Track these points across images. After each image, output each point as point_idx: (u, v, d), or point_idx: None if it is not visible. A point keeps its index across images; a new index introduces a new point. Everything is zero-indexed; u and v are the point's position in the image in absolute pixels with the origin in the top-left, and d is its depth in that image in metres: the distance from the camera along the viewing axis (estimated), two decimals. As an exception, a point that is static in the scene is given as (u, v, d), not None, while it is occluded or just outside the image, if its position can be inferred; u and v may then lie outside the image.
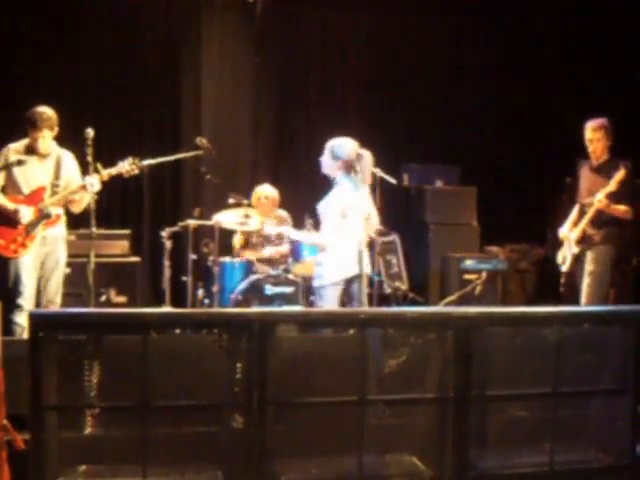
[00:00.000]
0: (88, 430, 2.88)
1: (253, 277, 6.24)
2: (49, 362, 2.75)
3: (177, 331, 2.94)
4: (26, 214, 5.21)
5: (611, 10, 7.97)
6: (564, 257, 5.96)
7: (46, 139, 5.27)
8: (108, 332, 2.89)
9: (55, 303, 5.34)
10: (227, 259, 6.52)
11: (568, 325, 3.22)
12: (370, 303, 5.68)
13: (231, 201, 6.54)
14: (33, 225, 5.22)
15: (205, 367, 2.92)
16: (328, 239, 4.98)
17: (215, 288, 6.22)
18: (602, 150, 5.84)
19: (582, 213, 5.85)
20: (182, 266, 6.69)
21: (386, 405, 3.09)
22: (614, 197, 5.63)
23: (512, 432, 3.22)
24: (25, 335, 4.87)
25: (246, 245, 6.81)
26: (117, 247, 6.69)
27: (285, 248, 6.49)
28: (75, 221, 5.88)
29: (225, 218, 6.36)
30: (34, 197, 5.27)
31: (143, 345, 2.79)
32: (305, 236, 5.70)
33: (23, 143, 5.33)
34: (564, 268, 5.96)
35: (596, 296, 5.71)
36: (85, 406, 2.87)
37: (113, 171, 5.33)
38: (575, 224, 5.88)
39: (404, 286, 7.39)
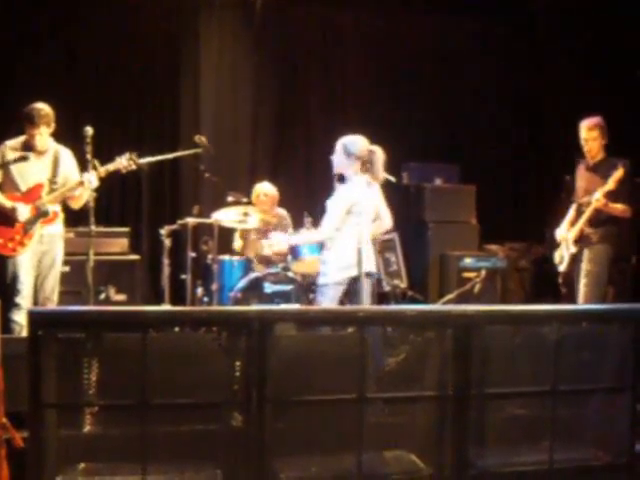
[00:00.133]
0: (87, 428, 2.88)
1: (252, 275, 6.24)
2: (48, 360, 2.75)
3: (176, 329, 2.94)
4: (24, 212, 5.20)
5: (611, 10, 7.96)
6: (561, 257, 5.95)
7: (43, 136, 5.26)
8: (107, 330, 2.89)
9: (52, 301, 5.34)
10: (226, 257, 6.52)
11: (567, 323, 3.22)
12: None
13: (230, 199, 6.54)
14: (31, 223, 5.22)
15: (204, 365, 2.91)
16: (327, 232, 4.97)
17: (214, 286, 6.22)
18: (598, 149, 5.83)
19: (579, 212, 5.85)
20: (181, 264, 6.69)
21: (385, 403, 3.09)
22: (612, 196, 5.63)
23: (511, 430, 3.22)
24: (24, 333, 4.87)
25: (245, 245, 6.81)
26: (116, 245, 6.69)
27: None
28: (74, 219, 5.88)
29: (224, 216, 6.36)
30: (32, 194, 5.26)
31: (142, 343, 2.79)
32: (304, 238, 5.70)
33: (20, 140, 5.32)
34: (561, 268, 5.96)
35: (593, 296, 5.70)
36: (84, 404, 2.87)
37: (111, 167, 5.33)
38: (572, 224, 5.88)
39: (403, 284, 7.39)
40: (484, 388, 3.12)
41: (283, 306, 5.91)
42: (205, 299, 6.45)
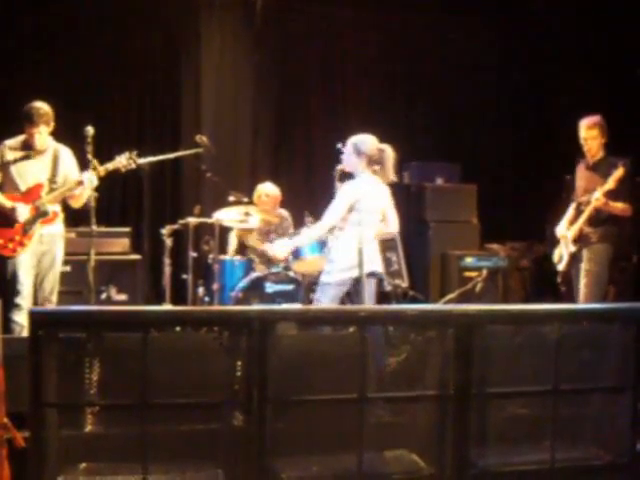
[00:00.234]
0: (88, 428, 2.88)
1: (253, 275, 6.25)
2: (49, 360, 2.75)
3: (177, 329, 2.94)
4: (23, 212, 5.18)
5: (611, 9, 7.96)
6: (560, 256, 5.94)
7: (42, 134, 5.25)
8: (108, 330, 2.89)
9: (51, 301, 5.33)
10: (227, 257, 6.52)
11: (568, 323, 3.22)
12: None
13: (231, 199, 6.54)
14: (30, 223, 5.20)
15: (205, 365, 2.92)
16: (326, 225, 4.96)
17: (215, 286, 6.22)
18: (597, 148, 5.82)
19: (579, 211, 5.84)
20: (182, 264, 6.70)
21: (386, 403, 3.09)
22: (612, 195, 5.62)
23: (512, 430, 3.22)
24: (24, 333, 4.87)
25: (241, 246, 6.81)
26: (117, 245, 6.69)
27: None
28: (75, 219, 5.88)
29: (225, 216, 6.37)
30: (31, 194, 5.24)
31: (143, 343, 2.79)
32: (305, 237, 5.68)
33: (19, 139, 5.31)
34: (560, 267, 5.95)
35: (593, 296, 5.68)
36: (85, 404, 2.87)
37: (110, 166, 5.32)
38: (572, 223, 5.87)
39: (404, 284, 7.35)
40: (485, 387, 3.12)
41: (284, 306, 5.91)
42: (206, 299, 6.46)
